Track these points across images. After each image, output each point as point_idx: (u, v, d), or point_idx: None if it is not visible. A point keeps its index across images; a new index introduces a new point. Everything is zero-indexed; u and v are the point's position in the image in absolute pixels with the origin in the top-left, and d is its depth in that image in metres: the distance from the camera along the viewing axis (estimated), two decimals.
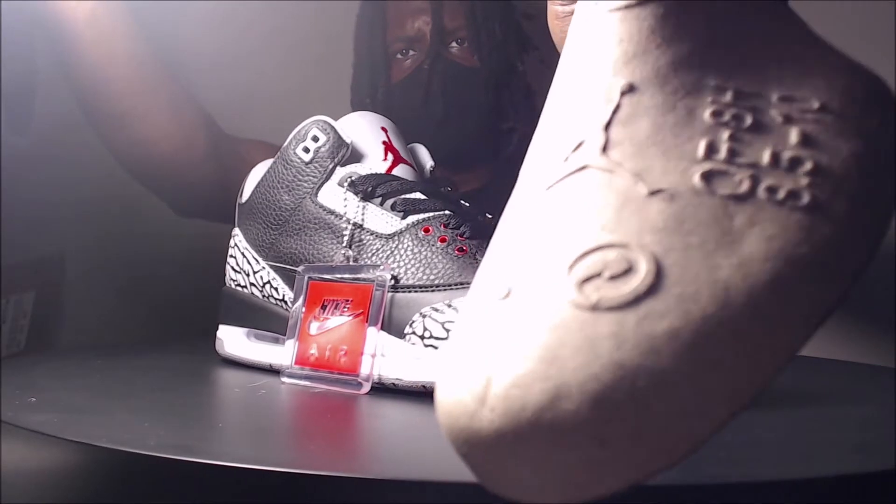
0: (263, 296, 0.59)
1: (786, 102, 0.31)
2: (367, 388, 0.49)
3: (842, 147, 0.30)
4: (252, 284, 0.59)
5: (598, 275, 0.27)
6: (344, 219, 0.55)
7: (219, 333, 0.61)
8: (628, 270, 0.27)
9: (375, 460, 0.38)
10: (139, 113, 0.77)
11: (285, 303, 0.57)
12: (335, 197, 0.55)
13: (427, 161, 0.59)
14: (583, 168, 0.30)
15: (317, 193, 0.56)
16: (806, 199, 0.28)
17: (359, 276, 0.52)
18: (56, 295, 0.85)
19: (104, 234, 0.86)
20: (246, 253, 0.60)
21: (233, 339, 0.60)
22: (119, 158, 0.80)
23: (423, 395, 0.48)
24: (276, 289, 0.58)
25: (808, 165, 0.29)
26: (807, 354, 0.71)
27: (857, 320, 0.83)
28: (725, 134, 0.30)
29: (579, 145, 0.31)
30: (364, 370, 0.49)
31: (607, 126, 0.31)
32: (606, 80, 0.32)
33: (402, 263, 0.52)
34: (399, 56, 0.86)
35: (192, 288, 0.76)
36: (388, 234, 0.53)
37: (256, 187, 0.59)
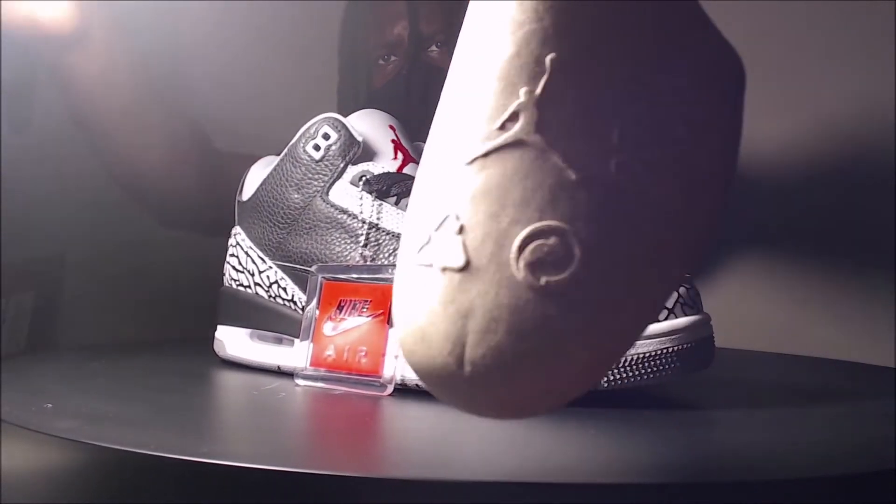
0: (269, 296, 0.58)
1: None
2: (390, 389, 0.48)
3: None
4: (257, 284, 0.58)
5: (542, 259, 0.29)
6: (359, 219, 0.54)
7: (217, 334, 0.60)
8: (566, 255, 0.29)
9: (414, 462, 0.38)
10: (128, 145, 0.77)
11: (294, 303, 0.56)
12: (348, 196, 0.55)
13: None
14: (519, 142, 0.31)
15: (328, 192, 0.55)
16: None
17: (378, 276, 0.51)
18: (56, 295, 0.84)
19: (104, 235, 0.86)
20: (250, 252, 0.59)
21: (235, 341, 0.59)
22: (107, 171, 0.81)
23: None
24: (283, 289, 0.57)
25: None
26: (807, 354, 0.71)
27: (857, 320, 0.83)
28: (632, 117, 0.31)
29: (513, 116, 0.31)
30: (387, 372, 0.48)
31: (538, 102, 0.31)
32: (533, 51, 0.31)
33: None
34: (381, 62, 0.86)
35: (193, 288, 0.75)
36: None
37: (261, 185, 0.58)
